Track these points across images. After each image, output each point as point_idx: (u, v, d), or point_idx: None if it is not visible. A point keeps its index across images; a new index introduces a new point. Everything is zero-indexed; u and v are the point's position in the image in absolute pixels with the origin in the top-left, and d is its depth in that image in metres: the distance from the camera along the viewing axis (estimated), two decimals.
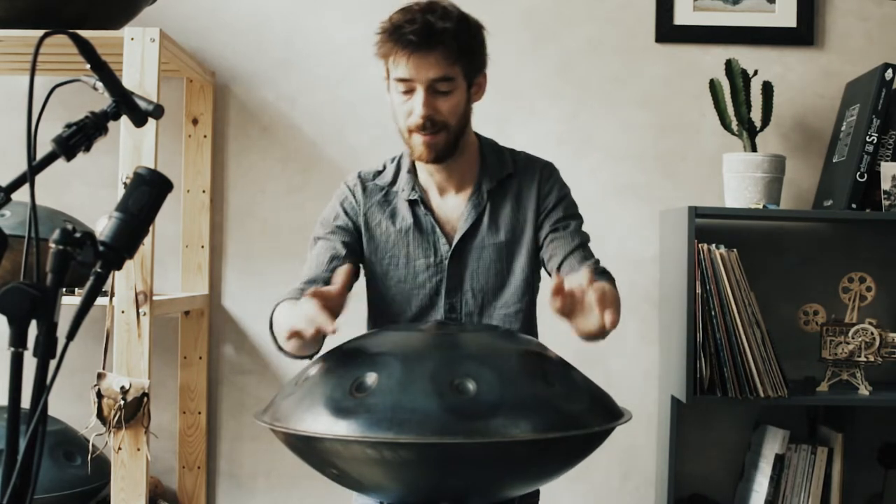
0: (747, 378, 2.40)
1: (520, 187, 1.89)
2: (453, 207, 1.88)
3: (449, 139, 1.78)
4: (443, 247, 1.85)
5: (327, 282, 1.79)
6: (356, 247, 1.89)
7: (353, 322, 1.93)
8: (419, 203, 1.86)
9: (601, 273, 1.80)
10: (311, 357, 1.69)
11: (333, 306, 1.48)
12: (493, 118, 2.74)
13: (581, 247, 1.85)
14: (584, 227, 1.92)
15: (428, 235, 1.86)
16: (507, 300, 1.86)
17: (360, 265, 1.91)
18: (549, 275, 1.88)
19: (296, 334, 1.47)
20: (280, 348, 1.72)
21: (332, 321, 1.42)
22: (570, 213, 1.90)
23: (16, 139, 2.74)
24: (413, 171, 1.89)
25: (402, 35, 1.70)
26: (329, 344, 1.57)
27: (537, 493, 1.92)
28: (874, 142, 2.48)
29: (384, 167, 1.93)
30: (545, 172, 1.92)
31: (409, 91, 1.74)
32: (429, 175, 1.88)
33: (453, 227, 1.87)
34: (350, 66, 2.77)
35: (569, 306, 1.42)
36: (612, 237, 2.74)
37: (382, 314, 1.89)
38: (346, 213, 1.90)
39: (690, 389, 2.40)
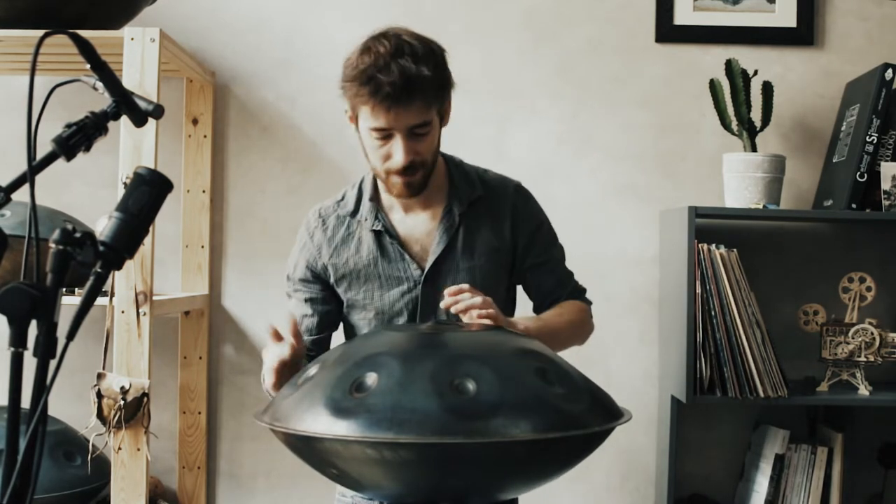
0: (747, 378, 2.40)
1: (493, 210, 1.86)
2: (420, 225, 1.84)
3: (425, 174, 1.76)
4: (414, 272, 1.82)
5: (304, 346, 1.83)
6: (324, 294, 1.88)
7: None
8: (384, 233, 1.83)
9: (578, 296, 1.94)
10: None
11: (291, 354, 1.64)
12: (493, 118, 2.74)
13: (561, 280, 1.93)
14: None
15: (396, 263, 1.82)
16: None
17: (337, 306, 1.90)
18: (533, 302, 1.95)
19: (275, 380, 1.63)
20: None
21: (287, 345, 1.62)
22: (548, 241, 1.92)
23: (16, 139, 2.74)
24: (375, 197, 1.84)
25: (379, 87, 1.63)
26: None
27: (516, 500, 1.91)
28: (874, 142, 2.48)
29: (343, 196, 1.90)
30: (519, 197, 1.89)
31: (386, 137, 1.70)
32: (393, 196, 1.83)
33: (422, 248, 1.84)
34: None
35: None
36: (612, 237, 2.74)
37: None
38: (306, 262, 1.88)
39: (690, 389, 2.40)
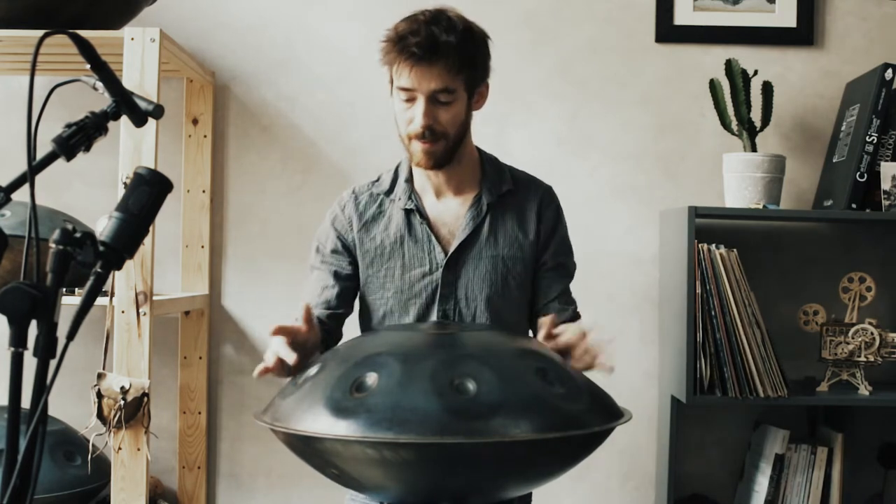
0: (747, 378, 2.40)
1: (521, 205, 1.90)
2: (450, 210, 1.88)
3: (447, 147, 1.79)
4: (438, 255, 1.84)
5: (320, 318, 1.85)
6: (350, 270, 1.89)
7: (352, 325, 1.94)
8: (415, 212, 1.86)
9: (574, 319, 1.92)
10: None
11: (301, 340, 1.61)
12: (493, 118, 2.74)
13: (564, 293, 1.93)
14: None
15: (423, 244, 1.85)
16: (501, 314, 1.85)
17: (357, 285, 1.91)
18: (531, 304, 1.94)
19: (264, 371, 1.58)
20: None
21: (292, 353, 1.55)
22: (565, 250, 1.95)
23: (16, 139, 2.74)
24: (410, 179, 1.89)
25: (406, 46, 1.71)
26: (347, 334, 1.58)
27: (530, 493, 1.91)
28: (874, 142, 2.48)
29: (379, 177, 1.94)
30: (546, 198, 1.94)
31: (411, 100, 1.76)
32: (426, 178, 1.87)
33: (450, 231, 1.87)
34: (350, 66, 2.77)
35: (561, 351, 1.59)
36: (612, 237, 2.74)
37: (379, 325, 1.89)
38: (337, 234, 1.90)
39: (690, 389, 2.40)
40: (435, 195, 1.88)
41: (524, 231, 1.88)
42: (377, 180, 1.93)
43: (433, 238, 1.85)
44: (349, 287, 1.90)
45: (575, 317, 1.92)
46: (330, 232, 1.92)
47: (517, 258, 1.87)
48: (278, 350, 1.56)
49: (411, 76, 1.73)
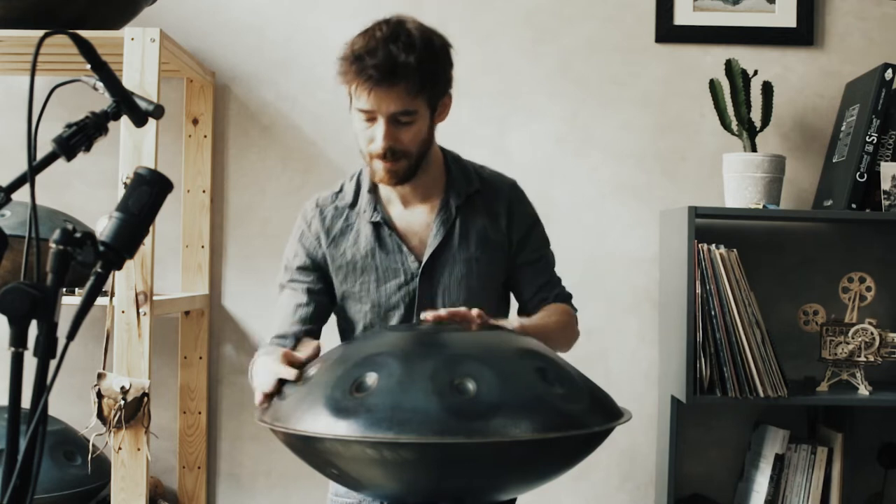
0: (747, 378, 2.40)
1: (490, 205, 1.87)
2: (419, 218, 1.84)
3: (410, 165, 1.76)
4: (412, 264, 1.81)
5: (296, 336, 1.81)
6: (321, 285, 1.86)
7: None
8: (382, 224, 1.83)
9: (564, 299, 1.92)
10: None
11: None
12: (493, 118, 2.74)
13: (547, 282, 1.91)
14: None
15: (394, 255, 1.82)
16: None
17: (330, 300, 1.88)
18: (519, 301, 1.94)
19: (265, 398, 1.53)
20: None
21: (292, 370, 1.50)
22: (543, 242, 1.93)
23: (16, 139, 2.74)
24: (374, 189, 1.85)
25: (363, 68, 1.65)
26: (327, 345, 1.57)
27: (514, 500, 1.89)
28: (874, 142, 2.48)
29: (341, 188, 1.89)
30: (514, 194, 1.91)
31: (371, 119, 1.71)
32: (391, 189, 1.83)
33: (420, 240, 1.83)
34: None
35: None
36: (611, 237, 2.74)
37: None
38: (305, 251, 1.86)
39: (690, 389, 2.40)
40: (402, 203, 1.85)
41: (496, 231, 1.86)
42: (339, 191, 1.89)
43: (404, 248, 1.82)
44: (323, 302, 1.86)
45: (561, 297, 1.91)
46: (298, 249, 1.88)
47: (493, 257, 1.85)
48: (279, 371, 1.51)
49: (370, 99, 1.67)
